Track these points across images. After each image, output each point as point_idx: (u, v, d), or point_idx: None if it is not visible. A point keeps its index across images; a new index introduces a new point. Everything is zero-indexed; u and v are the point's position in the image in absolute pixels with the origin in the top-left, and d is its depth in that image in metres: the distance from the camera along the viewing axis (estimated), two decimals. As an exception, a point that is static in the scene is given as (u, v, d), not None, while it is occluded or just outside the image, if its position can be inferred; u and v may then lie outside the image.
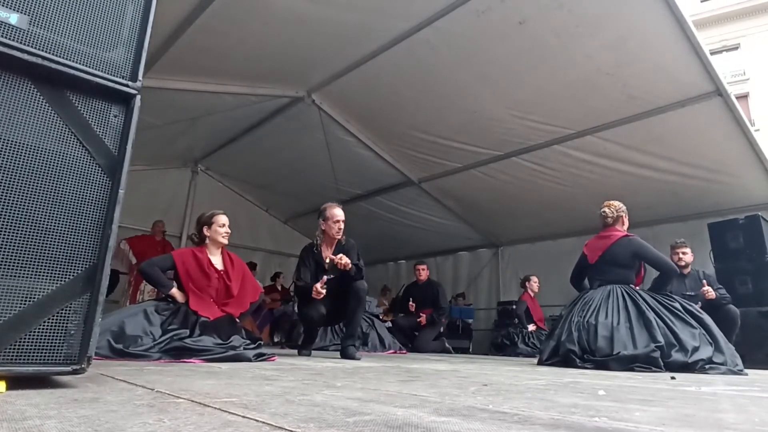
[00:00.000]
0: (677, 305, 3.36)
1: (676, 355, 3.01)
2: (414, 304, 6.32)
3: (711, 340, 3.18)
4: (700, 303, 3.92)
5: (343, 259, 3.46)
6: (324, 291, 3.42)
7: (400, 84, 5.00)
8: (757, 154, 4.65)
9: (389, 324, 6.30)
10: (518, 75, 4.54)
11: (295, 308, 5.60)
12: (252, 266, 6.98)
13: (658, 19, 3.71)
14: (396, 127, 5.77)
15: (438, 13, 4.01)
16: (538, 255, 7.20)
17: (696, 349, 3.05)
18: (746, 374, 3.01)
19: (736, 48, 20.20)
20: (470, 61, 4.49)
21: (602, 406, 1.17)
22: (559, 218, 6.50)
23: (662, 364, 2.96)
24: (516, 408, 1.08)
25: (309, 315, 3.59)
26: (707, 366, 3.00)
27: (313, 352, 3.92)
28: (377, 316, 6.18)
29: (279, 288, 7.81)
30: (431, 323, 6.24)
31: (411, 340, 6.15)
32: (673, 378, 2.38)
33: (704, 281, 4.39)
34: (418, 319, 6.22)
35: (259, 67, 4.95)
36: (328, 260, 3.66)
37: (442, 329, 6.42)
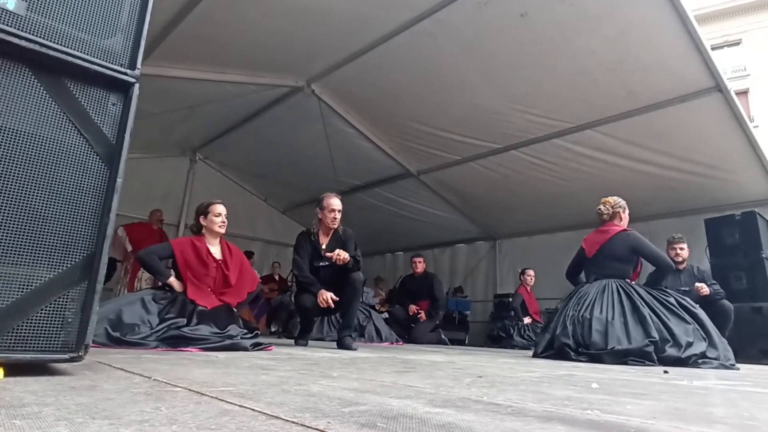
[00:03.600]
0: (672, 300, 3.38)
1: (670, 350, 3.04)
2: (416, 309, 6.32)
3: (704, 335, 3.20)
4: (692, 298, 3.94)
5: (341, 255, 3.47)
6: (333, 304, 3.45)
7: (401, 75, 4.98)
8: (756, 151, 4.66)
9: (386, 315, 6.33)
10: (519, 68, 4.52)
11: (293, 298, 5.62)
12: (249, 254, 6.99)
13: (660, 14, 3.69)
14: (396, 119, 5.75)
15: (439, 4, 3.98)
16: (535, 248, 7.22)
17: (690, 344, 3.08)
18: (738, 369, 3.04)
19: (737, 43, 20.11)
20: (471, 54, 4.47)
21: (595, 399, 1.18)
22: (556, 212, 6.52)
23: (656, 358, 2.99)
24: (510, 400, 1.09)
25: (305, 305, 3.60)
26: (700, 361, 3.02)
27: (309, 342, 3.94)
28: (373, 307, 6.20)
29: (276, 278, 7.82)
30: (429, 316, 6.27)
31: (408, 332, 6.18)
32: (666, 372, 2.40)
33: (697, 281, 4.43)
34: (418, 315, 6.24)
35: (258, 57, 4.92)
36: (324, 247, 3.67)
37: (438, 321, 6.45)
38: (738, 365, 3.18)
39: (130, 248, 6.01)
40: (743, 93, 18.14)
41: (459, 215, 7.47)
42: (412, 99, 5.30)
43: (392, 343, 5.31)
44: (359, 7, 4.11)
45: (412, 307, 6.31)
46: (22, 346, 1.06)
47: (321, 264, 3.62)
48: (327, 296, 3.43)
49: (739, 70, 19.24)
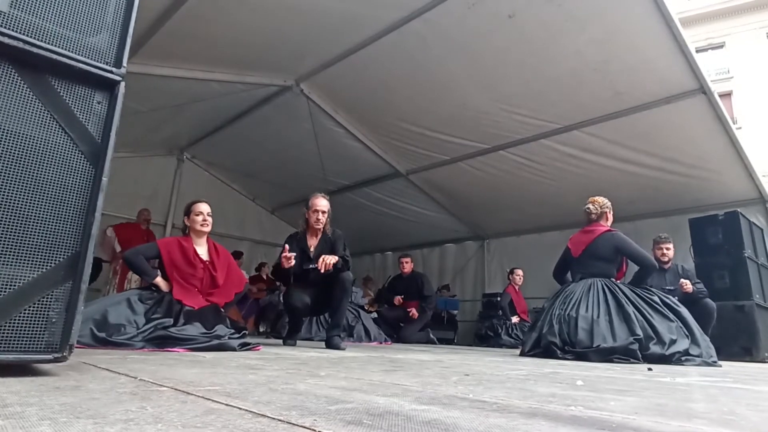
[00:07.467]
0: (656, 298, 3.43)
1: (654, 348, 3.08)
2: (401, 299, 6.34)
3: (688, 333, 3.26)
4: (677, 297, 4.00)
5: (328, 261, 3.37)
6: (292, 258, 3.36)
7: (390, 75, 4.99)
8: (738, 152, 4.75)
9: (374, 315, 6.34)
10: (507, 68, 4.56)
11: (281, 298, 5.59)
12: (238, 254, 6.95)
13: (645, 16, 3.74)
14: (385, 119, 5.76)
15: (428, 5, 4.00)
16: (523, 248, 7.29)
17: (673, 342, 3.13)
18: (720, 366, 3.10)
19: (721, 46, 20.44)
20: (459, 54, 4.50)
21: (579, 395, 1.20)
22: (544, 212, 6.58)
23: (640, 355, 3.03)
24: (496, 397, 1.10)
25: (294, 304, 3.59)
26: (683, 358, 3.08)
27: (298, 342, 3.93)
28: (362, 307, 6.21)
29: (264, 278, 7.78)
30: (420, 313, 6.28)
31: (396, 331, 6.19)
32: (650, 369, 2.44)
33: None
34: (409, 312, 6.25)
35: (246, 55, 4.90)
36: (312, 249, 3.66)
37: (427, 320, 6.47)
38: (720, 362, 3.24)
39: (119, 249, 5.94)
40: (727, 95, 18.44)
41: (447, 215, 7.51)
42: (400, 98, 5.31)
43: (381, 343, 5.32)
44: (348, 7, 4.11)
45: (398, 298, 6.33)
46: (4, 347, 1.05)
47: (310, 267, 3.60)
48: (289, 254, 3.34)
49: (722, 72, 19.55)
